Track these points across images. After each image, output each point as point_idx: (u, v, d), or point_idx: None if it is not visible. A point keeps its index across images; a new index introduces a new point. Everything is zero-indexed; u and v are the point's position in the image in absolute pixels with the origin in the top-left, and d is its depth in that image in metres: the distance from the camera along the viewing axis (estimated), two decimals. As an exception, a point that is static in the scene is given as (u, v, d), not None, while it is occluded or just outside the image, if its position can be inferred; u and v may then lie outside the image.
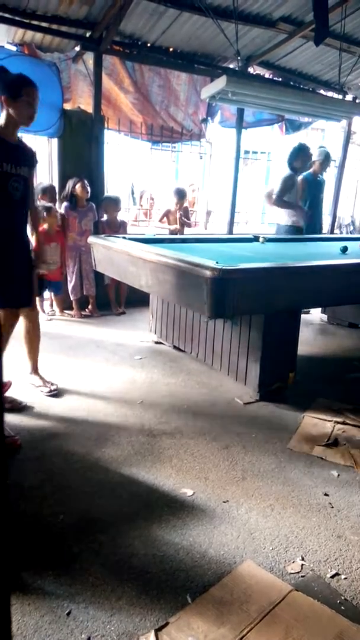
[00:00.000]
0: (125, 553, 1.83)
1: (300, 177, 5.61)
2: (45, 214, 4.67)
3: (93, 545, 1.86)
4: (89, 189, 4.91)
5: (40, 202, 4.79)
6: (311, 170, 5.75)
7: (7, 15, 4.31)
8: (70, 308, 5.12)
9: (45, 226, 4.73)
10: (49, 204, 4.75)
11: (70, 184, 4.89)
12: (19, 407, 2.94)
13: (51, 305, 5.18)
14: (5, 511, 0.42)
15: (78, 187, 4.85)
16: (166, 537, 1.93)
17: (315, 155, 5.73)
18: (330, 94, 6.33)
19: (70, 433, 2.71)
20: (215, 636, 1.48)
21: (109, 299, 5.32)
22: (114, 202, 5.23)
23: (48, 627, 1.51)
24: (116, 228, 5.16)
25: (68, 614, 1.56)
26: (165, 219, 5.66)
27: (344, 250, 3.98)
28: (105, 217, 5.23)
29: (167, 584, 1.70)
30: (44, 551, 1.82)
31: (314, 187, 5.78)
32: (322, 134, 11.11)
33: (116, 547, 1.86)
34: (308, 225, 5.77)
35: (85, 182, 4.88)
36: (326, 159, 5.77)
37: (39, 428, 2.75)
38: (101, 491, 2.20)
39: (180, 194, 5.65)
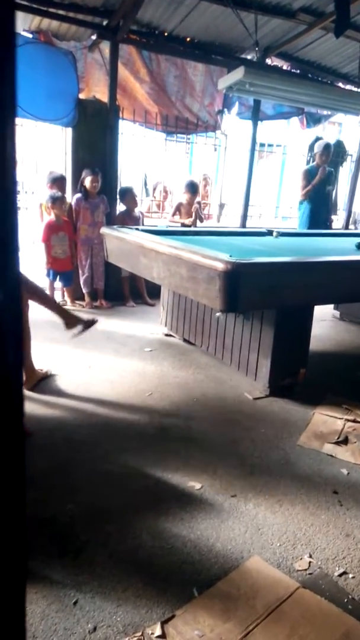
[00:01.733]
0: (133, 544, 1.84)
1: (303, 169, 5.73)
2: (51, 203, 4.66)
3: (100, 535, 1.87)
4: (98, 183, 4.89)
5: (50, 192, 4.80)
6: (314, 162, 5.83)
7: (24, 2, 4.28)
8: (81, 298, 5.12)
9: (52, 216, 4.73)
10: (59, 194, 4.75)
11: (83, 174, 4.87)
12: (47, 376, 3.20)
13: (63, 295, 5.19)
14: (21, 505, 0.41)
15: (88, 180, 4.84)
16: (174, 529, 1.93)
17: (316, 148, 5.76)
18: (348, 87, 6.22)
19: (79, 423, 2.72)
20: (221, 630, 1.48)
21: (124, 292, 5.30)
22: (133, 194, 5.23)
23: (55, 615, 1.52)
24: (135, 220, 5.14)
25: (75, 603, 1.57)
26: (177, 213, 5.61)
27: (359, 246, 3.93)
28: (124, 209, 5.23)
29: (174, 577, 1.70)
30: (52, 540, 1.83)
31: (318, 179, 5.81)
32: (339, 128, 10.96)
33: (124, 538, 1.87)
34: (313, 217, 5.78)
35: (98, 177, 4.86)
36: (325, 149, 5.76)
37: (48, 417, 2.76)
38: (109, 482, 2.20)
39: (193, 187, 5.59)
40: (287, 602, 1.60)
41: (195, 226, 5.51)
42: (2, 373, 0.37)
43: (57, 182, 4.89)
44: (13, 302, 0.35)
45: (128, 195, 5.23)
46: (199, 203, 5.68)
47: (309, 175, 5.80)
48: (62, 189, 4.92)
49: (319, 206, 5.85)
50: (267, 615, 1.54)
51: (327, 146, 5.80)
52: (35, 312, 3.17)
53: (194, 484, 2.23)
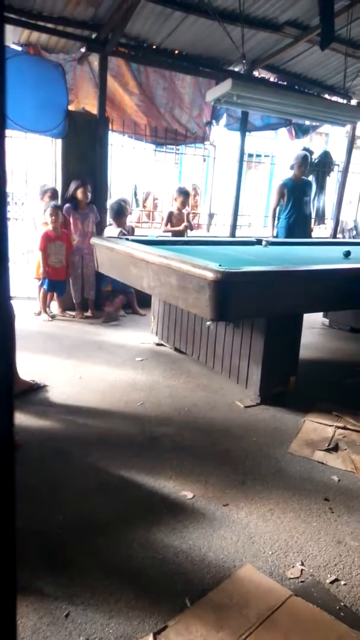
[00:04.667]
0: (125, 555, 1.83)
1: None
2: (50, 213, 4.69)
3: (92, 546, 1.86)
4: (89, 194, 4.92)
5: (44, 203, 4.82)
6: (291, 175, 5.91)
7: (13, 16, 4.32)
8: (72, 309, 5.12)
9: (49, 226, 4.75)
10: (58, 203, 4.79)
11: (72, 185, 4.89)
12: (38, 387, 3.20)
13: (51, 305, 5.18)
14: (10, 517, 0.41)
15: (80, 191, 4.86)
16: (166, 540, 1.92)
17: (293, 159, 5.89)
18: (334, 98, 6.33)
19: (70, 434, 2.71)
20: (213, 641, 1.48)
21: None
22: (126, 207, 5.23)
23: (46, 628, 1.51)
24: (126, 231, 5.16)
25: (66, 615, 1.56)
26: (169, 222, 5.62)
27: (347, 254, 3.98)
28: (127, 225, 5.23)
29: (166, 587, 1.69)
30: (42, 552, 1.82)
31: (296, 190, 5.88)
32: (326, 138, 11.12)
33: (115, 549, 1.86)
34: (291, 228, 5.86)
35: (88, 187, 4.88)
36: (303, 161, 5.84)
37: (39, 429, 2.74)
38: (101, 493, 2.19)
39: (183, 193, 5.62)
40: (280, 611, 1.60)
41: (187, 234, 5.53)
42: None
43: (49, 193, 4.93)
44: (3, 313, 0.36)
45: (122, 214, 5.16)
46: (188, 213, 5.71)
47: (284, 188, 5.88)
48: (54, 200, 4.95)
49: (297, 217, 5.92)
50: (259, 624, 1.54)
51: (304, 157, 5.89)
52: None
53: (186, 494, 2.23)
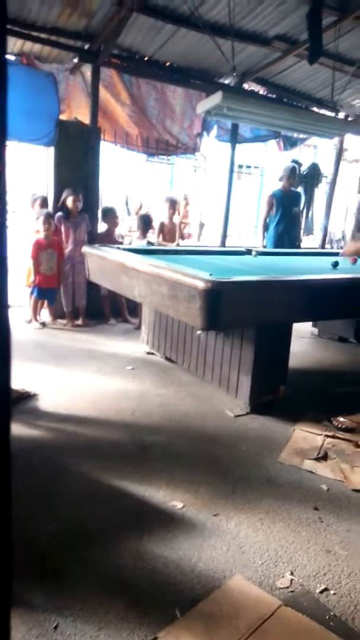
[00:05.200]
0: (114, 566, 1.82)
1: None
2: (42, 221, 4.69)
3: (82, 557, 1.85)
4: (80, 203, 4.95)
5: (35, 211, 4.83)
6: (280, 186, 5.97)
7: (7, 25, 4.34)
8: (63, 317, 5.11)
9: (41, 234, 4.75)
10: (50, 211, 4.80)
11: (64, 194, 4.91)
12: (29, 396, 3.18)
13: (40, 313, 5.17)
14: (7, 527, 0.42)
15: (70, 200, 4.88)
16: (155, 550, 1.92)
17: (282, 171, 5.95)
18: (323, 111, 6.43)
19: (61, 443, 2.69)
20: (204, 651, 1.47)
21: (104, 310, 5.30)
22: (115, 214, 5.29)
23: (35, 641, 1.49)
24: (114, 240, 5.17)
25: (55, 627, 1.54)
26: (161, 233, 5.62)
27: (335, 265, 4.03)
28: (104, 229, 5.27)
29: (156, 598, 1.68)
30: (32, 562, 1.80)
31: (284, 201, 5.95)
32: (314, 151, 11.27)
33: (105, 559, 1.85)
34: (280, 238, 5.91)
35: (79, 196, 4.91)
36: (292, 173, 5.91)
37: (29, 438, 2.72)
38: (91, 502, 2.18)
39: (170, 201, 5.66)
40: (270, 621, 1.60)
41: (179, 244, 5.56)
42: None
43: (39, 201, 4.94)
44: (3, 324, 0.37)
45: (110, 215, 5.28)
46: (180, 223, 5.75)
47: (273, 199, 5.94)
48: (44, 208, 4.96)
49: (286, 227, 5.98)
50: (249, 635, 1.54)
51: (292, 169, 5.96)
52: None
53: (176, 503, 2.22)
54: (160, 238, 5.53)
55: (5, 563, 0.43)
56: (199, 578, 1.79)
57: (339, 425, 3.08)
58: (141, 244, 5.08)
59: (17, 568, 1.74)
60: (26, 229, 5.16)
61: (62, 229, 4.95)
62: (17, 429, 2.80)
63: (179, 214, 5.80)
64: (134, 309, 5.25)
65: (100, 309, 5.29)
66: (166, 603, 1.66)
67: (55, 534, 1.96)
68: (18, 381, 3.33)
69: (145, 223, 5.41)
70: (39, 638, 1.50)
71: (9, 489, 0.40)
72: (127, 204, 8.51)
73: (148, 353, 4.34)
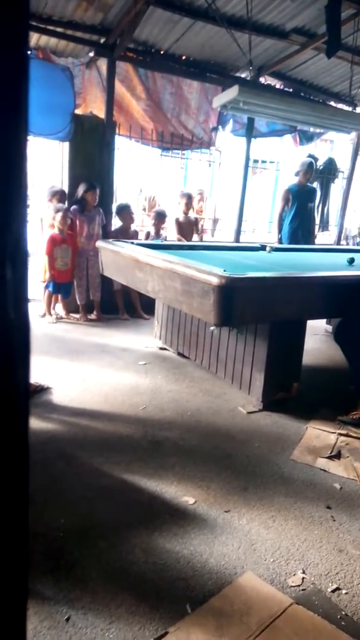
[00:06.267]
0: (126, 560, 1.83)
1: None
2: (62, 215, 4.69)
3: (93, 551, 1.86)
4: (97, 197, 4.96)
5: (52, 205, 4.84)
6: (296, 181, 5.89)
7: (29, 20, 4.34)
8: (76, 311, 5.13)
9: (55, 229, 4.76)
10: (64, 206, 4.80)
11: (81, 188, 4.91)
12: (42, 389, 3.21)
13: (55, 307, 5.19)
14: (24, 519, 0.42)
15: (89, 194, 4.88)
16: (167, 545, 1.92)
17: (298, 166, 5.87)
18: (340, 105, 6.34)
19: (73, 437, 2.71)
20: (214, 648, 1.47)
21: (117, 305, 5.30)
22: (130, 211, 5.28)
23: (47, 632, 1.51)
24: (129, 237, 5.16)
25: (67, 620, 1.55)
26: (179, 229, 5.56)
27: (351, 261, 3.98)
28: (119, 225, 5.27)
29: (167, 593, 1.69)
30: (44, 555, 1.82)
31: (300, 197, 5.87)
32: (331, 145, 11.14)
33: (117, 553, 1.86)
34: (295, 234, 5.86)
35: (96, 190, 4.92)
36: (309, 168, 5.83)
37: (42, 431, 2.74)
38: (103, 497, 2.19)
39: (185, 196, 5.61)
40: (281, 619, 1.60)
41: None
42: (11, 388, 0.38)
43: (57, 196, 4.94)
44: (23, 320, 0.36)
45: (125, 212, 5.25)
46: (196, 220, 5.71)
47: (289, 194, 5.86)
48: (62, 202, 4.96)
49: (300, 223, 5.92)
50: (260, 632, 1.53)
51: (310, 164, 5.88)
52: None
53: (188, 499, 2.23)
54: (180, 236, 5.47)
55: (22, 556, 0.43)
56: (210, 574, 1.79)
57: (354, 416, 3.07)
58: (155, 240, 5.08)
59: (30, 560, 1.76)
60: (43, 223, 5.16)
61: (77, 222, 4.95)
62: (31, 422, 2.81)
63: (193, 209, 5.78)
64: (148, 305, 5.25)
65: (114, 303, 5.30)
66: (177, 598, 1.67)
67: (67, 527, 1.97)
68: (32, 374, 3.35)
69: (160, 219, 5.41)
70: (50, 630, 1.52)
71: (27, 485, 0.40)
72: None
73: (161, 348, 4.35)
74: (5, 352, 0.37)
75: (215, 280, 2.60)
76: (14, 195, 0.35)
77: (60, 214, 4.69)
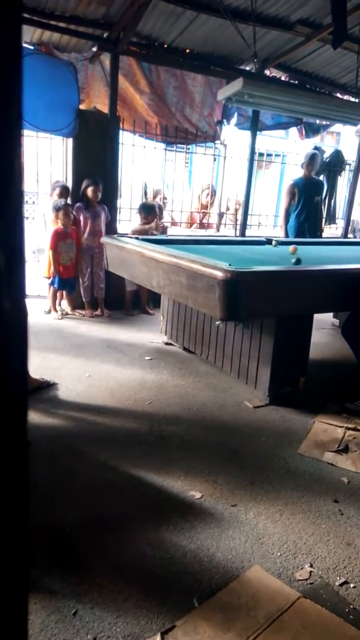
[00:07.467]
0: (133, 554, 1.83)
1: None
2: (56, 211, 4.69)
3: (101, 545, 1.86)
4: (99, 194, 4.93)
5: (54, 201, 4.83)
6: (301, 174, 5.84)
7: (25, 15, 4.33)
8: (82, 307, 5.14)
9: (59, 224, 4.76)
10: (63, 202, 4.78)
11: (84, 184, 4.90)
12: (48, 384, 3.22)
13: (61, 303, 5.20)
14: (24, 512, 0.41)
15: (90, 189, 4.87)
16: (174, 539, 1.92)
17: (303, 158, 5.82)
18: (346, 97, 6.28)
19: (80, 432, 2.71)
20: (221, 641, 1.47)
21: (124, 301, 5.29)
22: (156, 213, 5.21)
23: (54, 626, 1.51)
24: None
25: (74, 613, 1.56)
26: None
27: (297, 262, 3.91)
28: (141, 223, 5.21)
29: (174, 587, 1.69)
30: (51, 549, 1.82)
31: (306, 190, 5.82)
32: (337, 138, 11.05)
33: (124, 547, 1.86)
34: (301, 227, 5.81)
35: (99, 186, 4.89)
36: (311, 160, 5.78)
37: (49, 426, 2.75)
38: (110, 491, 2.19)
39: (145, 209, 5.33)
40: (288, 612, 1.59)
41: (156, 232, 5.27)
42: (7, 381, 0.37)
43: (57, 190, 4.93)
44: (19, 310, 0.36)
45: (151, 213, 5.17)
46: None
47: (295, 187, 5.81)
48: (66, 198, 4.96)
49: (307, 216, 5.87)
50: (267, 626, 1.53)
51: (312, 156, 5.83)
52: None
53: (194, 493, 2.23)
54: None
55: (23, 549, 0.42)
56: (217, 568, 1.79)
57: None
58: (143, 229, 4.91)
59: (37, 555, 1.77)
60: (46, 218, 5.16)
61: (81, 218, 4.95)
62: (37, 418, 2.83)
63: (200, 204, 5.72)
64: (156, 301, 5.24)
65: (119, 299, 5.29)
66: (184, 592, 1.67)
67: (74, 522, 1.98)
68: (37, 370, 3.37)
69: (147, 211, 5.19)
70: (58, 624, 1.52)
71: (27, 479, 0.40)
72: (145, 193, 8.47)
73: (166, 343, 4.34)
74: (0, 343, 0.36)
75: (220, 275, 2.59)
76: (5, 182, 0.34)
77: (61, 212, 4.69)
